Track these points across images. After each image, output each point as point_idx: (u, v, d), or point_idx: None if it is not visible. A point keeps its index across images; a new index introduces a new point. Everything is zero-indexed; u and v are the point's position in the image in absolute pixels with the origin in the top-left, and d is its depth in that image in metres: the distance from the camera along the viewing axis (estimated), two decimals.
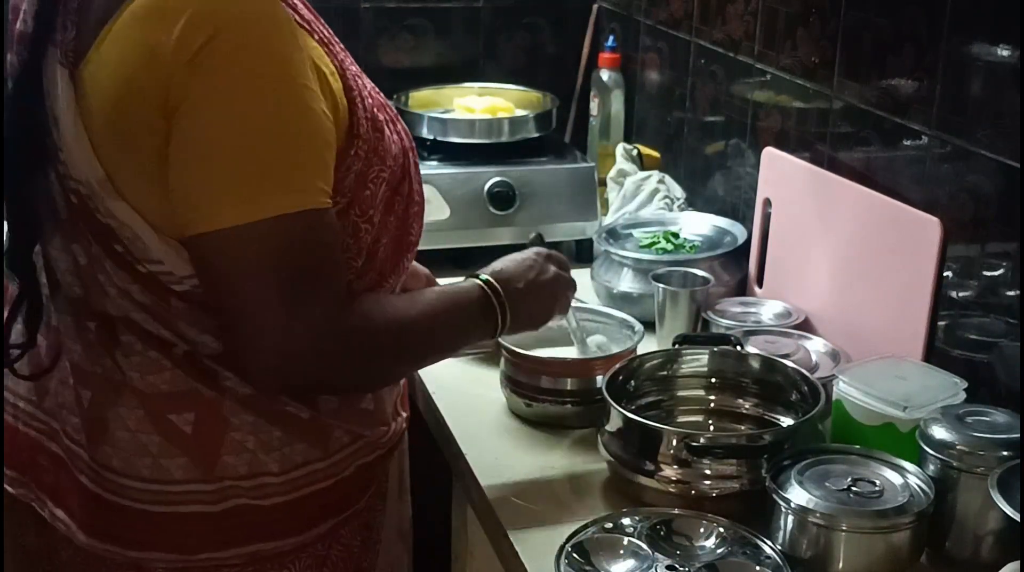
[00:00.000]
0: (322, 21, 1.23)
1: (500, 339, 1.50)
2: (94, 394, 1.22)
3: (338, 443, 1.27)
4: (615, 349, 1.64)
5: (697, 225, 2.06)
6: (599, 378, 1.53)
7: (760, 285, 1.91)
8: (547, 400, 1.58)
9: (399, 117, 1.32)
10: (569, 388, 1.58)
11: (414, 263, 1.44)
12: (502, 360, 1.62)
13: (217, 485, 1.21)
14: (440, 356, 1.37)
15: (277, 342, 1.10)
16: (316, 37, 1.17)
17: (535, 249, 1.47)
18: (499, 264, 1.40)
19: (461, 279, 1.38)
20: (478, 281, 1.35)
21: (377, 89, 1.29)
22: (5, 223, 1.21)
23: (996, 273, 1.45)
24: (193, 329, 1.18)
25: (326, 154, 1.13)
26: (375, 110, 1.22)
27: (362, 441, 1.29)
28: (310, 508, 1.26)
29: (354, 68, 1.23)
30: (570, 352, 1.64)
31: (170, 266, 1.15)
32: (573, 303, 1.54)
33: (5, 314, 1.25)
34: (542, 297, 1.42)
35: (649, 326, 1.80)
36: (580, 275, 2.02)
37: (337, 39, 1.24)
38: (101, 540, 1.23)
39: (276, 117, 1.09)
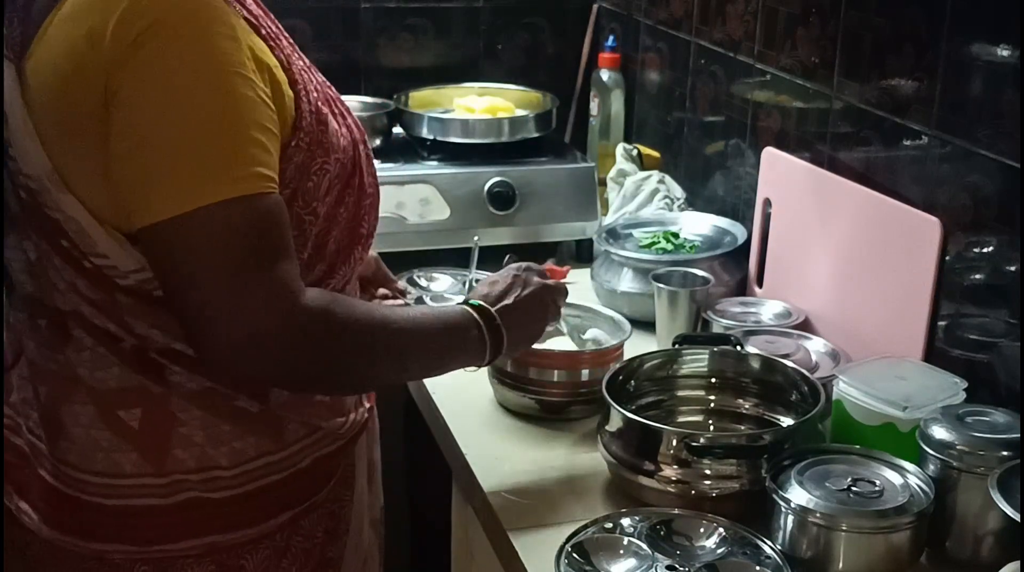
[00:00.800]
0: (271, 17, 1.24)
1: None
2: (49, 390, 1.24)
3: (293, 435, 1.27)
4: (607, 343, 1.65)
5: (697, 225, 2.06)
6: (585, 372, 1.57)
7: (760, 285, 1.91)
8: (534, 391, 1.59)
9: (350, 111, 1.33)
10: (556, 380, 1.59)
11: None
12: None
13: (167, 479, 1.22)
14: (419, 373, 1.38)
15: (229, 330, 1.10)
16: (263, 32, 1.18)
17: (514, 265, 1.46)
18: (484, 288, 1.41)
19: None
20: (467, 306, 1.35)
21: (328, 83, 1.31)
22: None
23: (996, 273, 1.45)
24: (140, 323, 1.19)
25: (264, 140, 1.13)
26: (319, 103, 1.23)
27: (320, 432, 1.30)
28: (265, 500, 1.26)
29: (301, 63, 1.25)
30: (558, 344, 1.66)
31: (115, 261, 1.16)
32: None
33: None
34: (533, 308, 1.42)
35: (649, 326, 1.81)
36: (580, 275, 2.04)
37: (287, 34, 1.25)
38: (63, 533, 1.25)
39: (208, 105, 1.10)
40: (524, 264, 1.47)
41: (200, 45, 1.10)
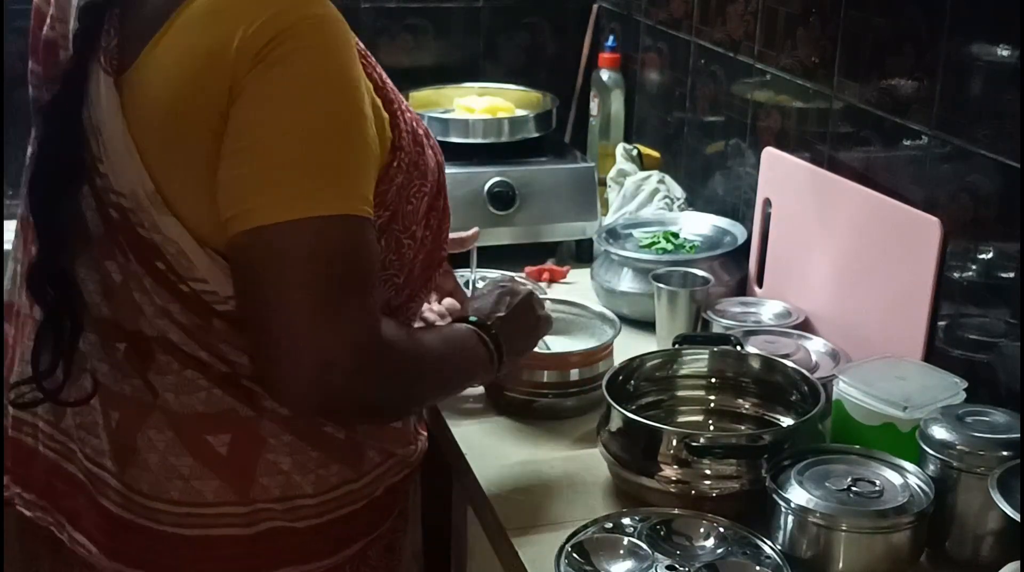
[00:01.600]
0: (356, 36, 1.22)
1: None
2: (122, 415, 1.18)
3: (371, 463, 1.25)
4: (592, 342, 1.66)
5: (697, 225, 2.06)
6: (575, 372, 1.59)
7: (760, 285, 1.91)
8: (525, 393, 1.60)
9: (430, 133, 1.31)
10: (546, 380, 1.60)
11: None
12: None
13: (250, 508, 1.18)
14: (448, 393, 1.40)
15: (304, 352, 1.05)
16: (358, 49, 1.16)
17: (493, 281, 1.47)
18: (475, 304, 1.41)
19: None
20: (467, 324, 1.34)
21: (410, 107, 1.28)
22: (33, 241, 1.18)
23: (996, 273, 1.45)
24: (234, 350, 1.15)
25: (371, 165, 1.12)
26: (415, 124, 1.22)
27: (393, 460, 1.28)
28: (343, 529, 1.24)
29: (390, 83, 1.23)
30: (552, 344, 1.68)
31: (215, 285, 1.12)
32: (543, 295, 1.61)
33: (12, 334, 1.24)
34: (526, 315, 1.42)
35: (649, 326, 1.81)
36: (580, 275, 2.04)
37: (369, 52, 1.23)
38: (126, 564, 1.20)
39: (329, 120, 1.07)
40: (503, 275, 1.47)
41: (327, 57, 1.08)
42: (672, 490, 1.35)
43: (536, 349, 1.53)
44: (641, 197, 2.17)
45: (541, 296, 1.66)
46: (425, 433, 1.39)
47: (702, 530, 1.29)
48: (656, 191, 2.16)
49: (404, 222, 1.20)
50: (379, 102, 1.16)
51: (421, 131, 1.24)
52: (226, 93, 1.06)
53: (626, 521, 1.30)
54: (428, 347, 1.24)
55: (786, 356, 1.58)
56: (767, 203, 1.89)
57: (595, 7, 2.57)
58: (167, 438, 1.17)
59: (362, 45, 1.20)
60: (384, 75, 1.21)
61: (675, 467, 1.35)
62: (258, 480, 1.18)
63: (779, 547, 1.25)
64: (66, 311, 1.17)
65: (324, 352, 1.06)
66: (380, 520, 1.29)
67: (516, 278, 1.48)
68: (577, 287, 2.03)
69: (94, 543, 1.21)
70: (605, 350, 1.63)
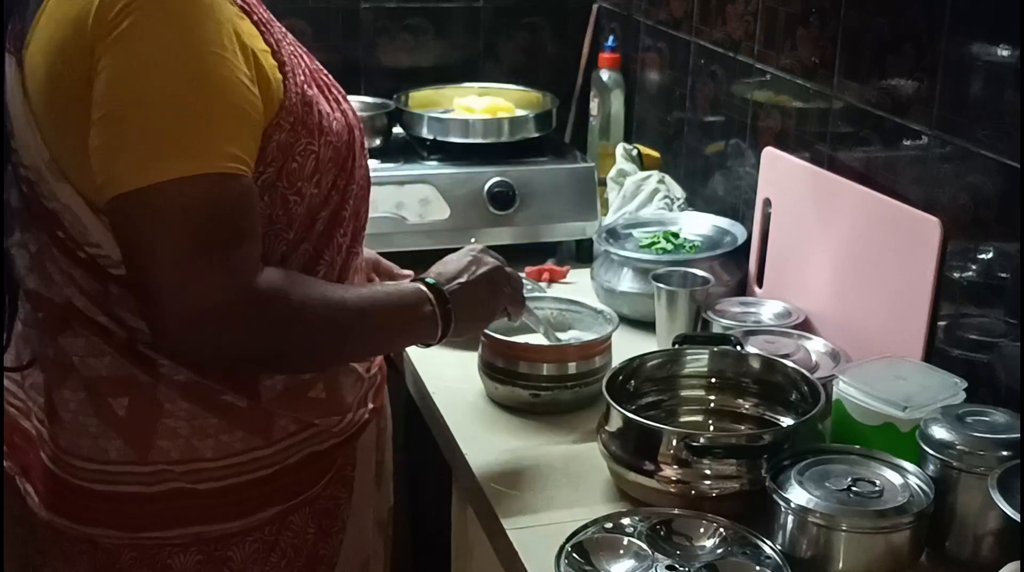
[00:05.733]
0: (263, 7, 1.25)
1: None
2: (47, 376, 1.27)
3: (283, 431, 1.28)
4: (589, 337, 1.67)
5: (697, 225, 2.06)
6: (572, 365, 1.60)
7: (760, 285, 1.92)
8: (522, 385, 1.61)
9: (346, 98, 1.35)
10: (544, 373, 1.61)
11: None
12: (480, 347, 1.65)
13: (151, 468, 1.24)
14: (374, 350, 1.38)
15: (176, 304, 1.11)
16: (255, 18, 1.20)
17: (469, 246, 1.48)
18: (439, 266, 1.42)
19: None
20: (422, 284, 1.36)
21: (325, 71, 1.33)
22: None
23: (996, 273, 1.45)
24: (131, 316, 1.21)
25: (238, 121, 1.14)
26: (306, 86, 1.24)
27: (312, 429, 1.31)
28: (252, 494, 1.27)
29: (292, 48, 1.26)
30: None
31: (107, 249, 1.18)
32: (541, 294, 1.58)
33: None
34: (483, 289, 1.43)
35: (649, 326, 1.81)
36: (580, 275, 2.04)
37: (278, 23, 1.26)
38: (57, 515, 1.27)
39: (178, 82, 1.11)
40: (480, 246, 1.49)
41: (177, 23, 1.11)
42: (672, 490, 1.35)
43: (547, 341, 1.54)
44: (641, 197, 2.17)
45: (539, 294, 1.67)
46: (373, 405, 1.39)
47: (702, 530, 1.29)
48: (656, 191, 2.16)
49: (288, 179, 1.22)
50: (273, 64, 1.19)
51: (317, 93, 1.26)
52: (88, 62, 1.11)
53: (626, 521, 1.30)
54: (335, 302, 1.25)
55: (786, 356, 1.58)
56: (767, 203, 1.89)
57: (595, 7, 2.57)
58: (79, 399, 1.24)
59: (264, 12, 1.23)
60: (284, 42, 1.24)
61: (675, 467, 1.35)
62: (157, 443, 1.23)
63: (779, 547, 1.25)
64: (3, 283, 1.25)
65: (191, 306, 1.11)
66: (301, 487, 1.31)
67: (488, 250, 1.48)
68: (577, 287, 2.03)
69: (37, 494, 1.29)
70: (603, 344, 1.64)
